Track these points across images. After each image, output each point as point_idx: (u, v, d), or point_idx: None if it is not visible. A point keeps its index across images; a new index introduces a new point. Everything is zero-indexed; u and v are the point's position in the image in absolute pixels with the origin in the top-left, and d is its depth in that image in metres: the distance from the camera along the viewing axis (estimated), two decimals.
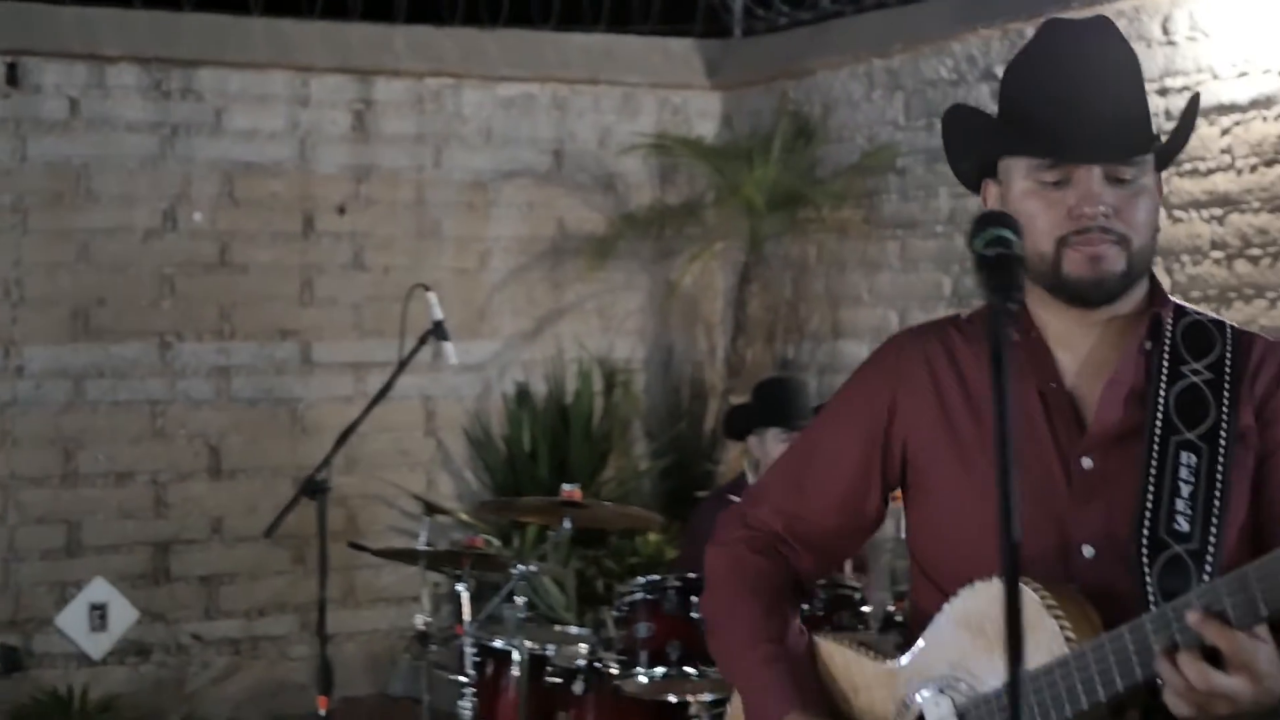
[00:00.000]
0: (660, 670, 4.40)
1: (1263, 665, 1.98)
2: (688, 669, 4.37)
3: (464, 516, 6.97)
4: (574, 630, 5.16)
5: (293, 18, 7.32)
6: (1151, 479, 2.18)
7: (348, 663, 7.19)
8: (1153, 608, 2.08)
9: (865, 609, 4.49)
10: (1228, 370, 2.24)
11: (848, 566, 4.97)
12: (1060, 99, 2.21)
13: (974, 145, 2.34)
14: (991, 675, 2.16)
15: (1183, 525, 2.15)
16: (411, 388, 7.24)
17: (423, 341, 5.05)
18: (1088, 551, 2.20)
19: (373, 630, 7.36)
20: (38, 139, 6.85)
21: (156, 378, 7.06)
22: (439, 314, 5.08)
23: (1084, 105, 2.20)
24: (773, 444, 5.13)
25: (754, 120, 7.73)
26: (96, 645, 6.91)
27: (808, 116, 7.45)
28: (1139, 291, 2.29)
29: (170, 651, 7.08)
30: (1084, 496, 2.22)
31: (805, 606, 2.88)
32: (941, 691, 2.21)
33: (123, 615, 6.98)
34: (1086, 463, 2.23)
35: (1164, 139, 2.29)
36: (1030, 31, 2.45)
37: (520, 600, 4.75)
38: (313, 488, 4.71)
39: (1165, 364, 2.25)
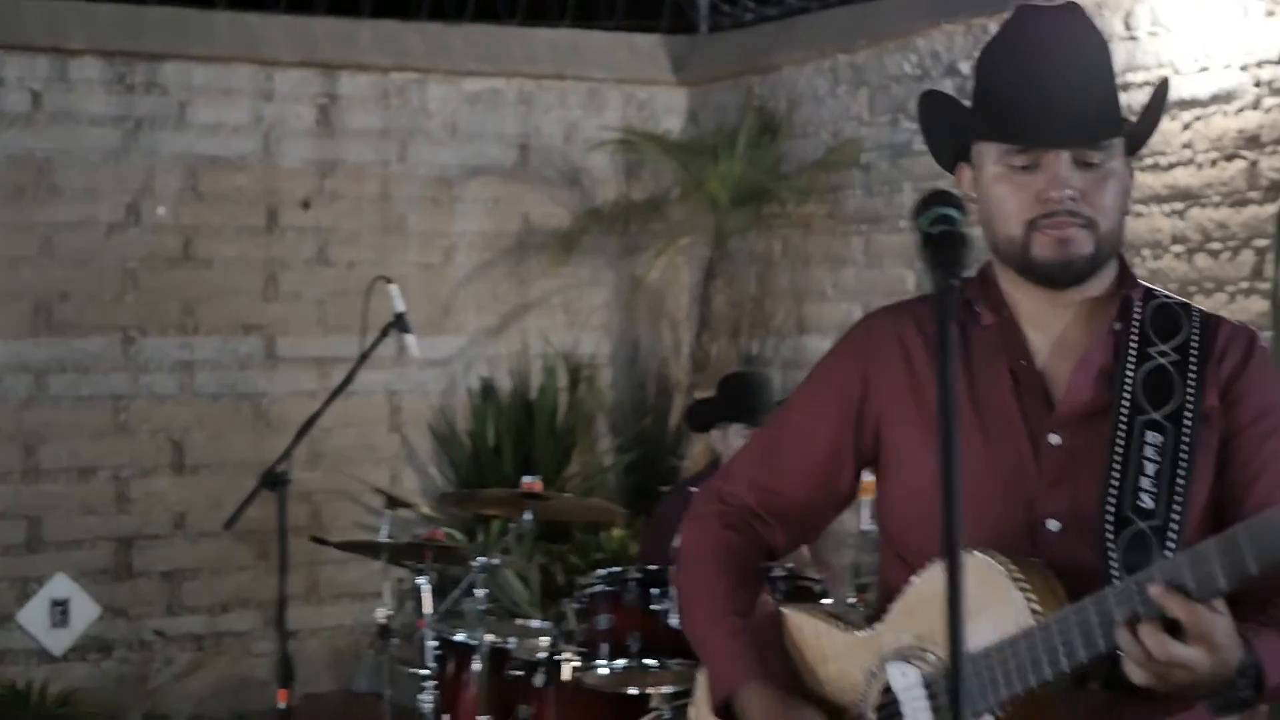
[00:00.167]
0: (621, 662, 4.39)
1: (1220, 637, 2.03)
2: (648, 661, 4.37)
3: (426, 510, 6.96)
4: (535, 624, 5.16)
5: (257, 11, 7.30)
6: (1117, 457, 2.22)
7: (311, 659, 7.17)
8: (1116, 582, 2.12)
9: (826, 602, 4.49)
10: (1194, 352, 2.28)
11: (808, 554, 4.97)
12: (1028, 84, 2.25)
13: (947, 130, 2.38)
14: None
15: (1147, 502, 2.19)
16: (376, 383, 7.23)
17: (384, 334, 5.03)
18: (1054, 526, 2.24)
19: (337, 626, 7.34)
20: (0, 132, 6.82)
21: (119, 372, 7.03)
22: (401, 306, 5.06)
23: (1051, 90, 2.24)
24: (735, 439, 5.13)
25: (720, 116, 7.73)
26: (58, 641, 6.88)
27: (773, 112, 7.46)
28: (1109, 274, 2.34)
29: (132, 647, 7.05)
30: (1052, 473, 2.26)
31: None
32: (909, 662, 2.25)
33: (84, 611, 6.94)
34: (1055, 440, 2.27)
35: (1139, 128, 2.32)
36: (995, 27, 2.48)
37: (481, 593, 4.74)
38: (273, 479, 4.70)
39: (1134, 345, 2.29)
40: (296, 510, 6.86)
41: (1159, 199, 5.71)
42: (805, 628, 2.45)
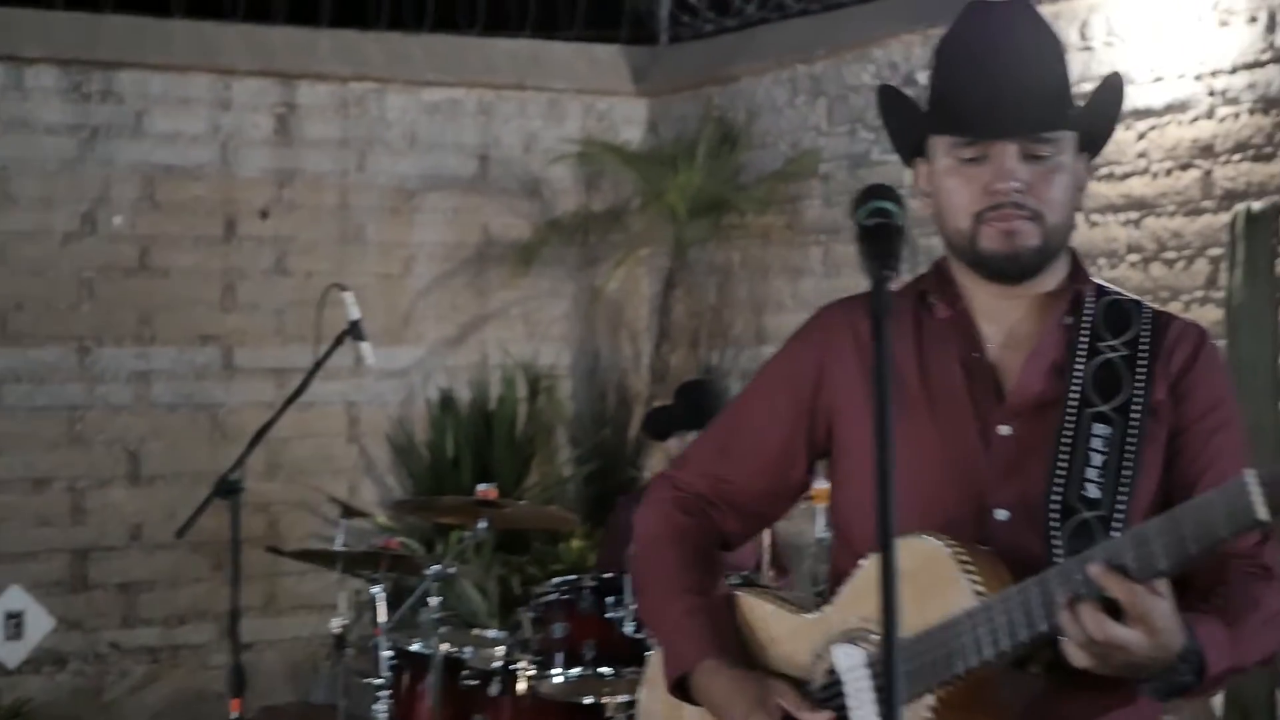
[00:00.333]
0: (576, 671, 4.39)
1: (1160, 619, 2.05)
2: (603, 669, 4.37)
3: (382, 520, 6.93)
4: (490, 633, 5.14)
5: (215, 20, 7.26)
6: (1065, 448, 2.25)
7: (269, 670, 7.13)
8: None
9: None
10: (1144, 347, 2.31)
11: (765, 562, 4.97)
12: (974, 78, 2.28)
13: (905, 126, 2.42)
14: (904, 628, 2.19)
15: (1093, 492, 2.22)
16: (334, 394, 7.20)
17: (339, 342, 4.99)
18: (1001, 515, 2.25)
19: (294, 638, 7.29)
20: None
21: (75, 382, 6.98)
22: (355, 314, 5.03)
23: (998, 83, 2.26)
24: None
25: (680, 126, 7.74)
26: (12, 654, 6.82)
27: (732, 123, 7.47)
28: (1061, 269, 2.36)
29: (88, 660, 6.99)
30: (1001, 464, 2.28)
31: None
32: (855, 643, 2.27)
33: (39, 623, 6.88)
34: (1004, 431, 2.30)
35: (1087, 121, 2.33)
36: None
37: (434, 601, 4.72)
38: (226, 488, 4.66)
39: (1084, 339, 2.32)
40: (254, 522, 6.84)
41: (1114, 208, 5.73)
42: (755, 609, 2.46)
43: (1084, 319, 2.33)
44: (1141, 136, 5.63)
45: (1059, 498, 2.22)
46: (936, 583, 2.15)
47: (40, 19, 6.96)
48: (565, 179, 7.88)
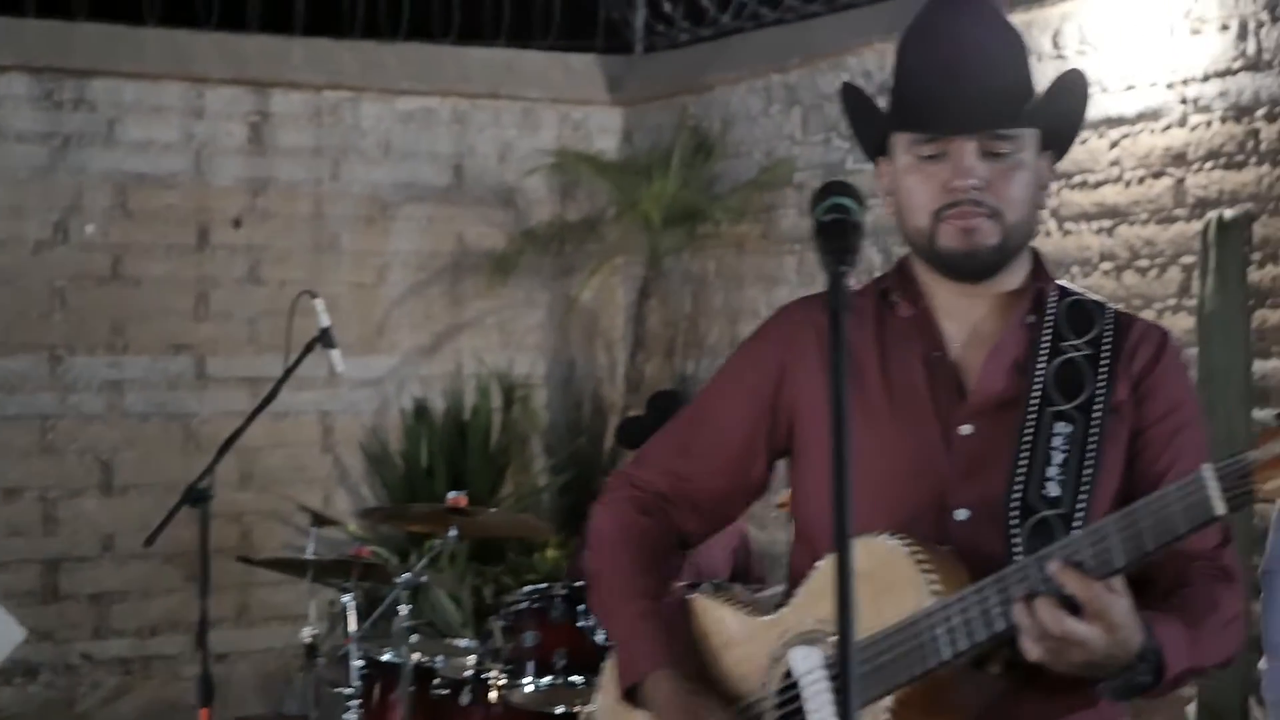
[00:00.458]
0: (547, 680, 4.36)
1: (1118, 616, 2.03)
2: (574, 678, 4.34)
3: (353, 528, 6.91)
4: (462, 642, 5.11)
5: (188, 28, 7.24)
6: (1025, 446, 2.23)
7: (241, 681, 7.09)
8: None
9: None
10: (1106, 347, 2.30)
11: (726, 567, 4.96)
12: (932, 74, 2.26)
13: (866, 124, 2.41)
14: (860, 629, 2.18)
15: (1053, 491, 2.20)
16: (308, 403, 7.17)
17: (309, 349, 4.96)
18: (961, 515, 2.24)
19: (267, 649, 7.25)
20: None
21: (47, 392, 6.94)
22: (326, 321, 5.00)
23: (955, 79, 2.25)
24: None
25: (655, 136, 7.73)
26: None
27: (707, 132, 7.46)
28: (1023, 268, 2.35)
29: (59, 671, 6.94)
30: (962, 463, 2.27)
31: None
32: (812, 645, 2.25)
33: (9, 634, 6.81)
34: (965, 429, 2.28)
35: (1046, 117, 2.31)
36: None
37: (405, 609, 4.70)
38: (195, 496, 4.63)
39: (1046, 338, 2.31)
40: (227, 532, 6.82)
41: (1087, 217, 5.74)
42: (711, 613, 2.44)
43: (1046, 318, 2.32)
44: (1114, 145, 5.64)
45: (1019, 496, 2.21)
46: (894, 583, 2.13)
47: (12, 26, 6.94)
48: (540, 188, 7.87)
